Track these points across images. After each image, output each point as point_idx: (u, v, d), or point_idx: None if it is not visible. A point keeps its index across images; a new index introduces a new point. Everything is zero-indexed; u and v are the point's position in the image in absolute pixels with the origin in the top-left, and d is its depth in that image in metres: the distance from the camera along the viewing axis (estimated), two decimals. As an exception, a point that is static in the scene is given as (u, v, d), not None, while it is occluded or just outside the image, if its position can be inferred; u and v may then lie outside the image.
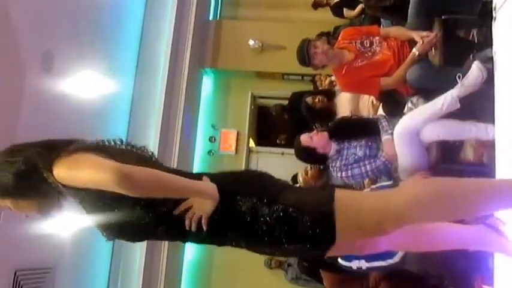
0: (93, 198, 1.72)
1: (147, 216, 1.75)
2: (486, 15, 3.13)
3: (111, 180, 1.56)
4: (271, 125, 7.36)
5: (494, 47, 2.49)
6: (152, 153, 1.96)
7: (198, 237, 1.84)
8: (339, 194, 1.82)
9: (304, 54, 3.63)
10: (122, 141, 1.89)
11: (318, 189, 1.99)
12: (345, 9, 5.79)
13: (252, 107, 7.11)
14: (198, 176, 1.84)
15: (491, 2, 2.65)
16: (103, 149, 1.76)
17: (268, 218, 1.76)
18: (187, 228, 1.76)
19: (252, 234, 1.81)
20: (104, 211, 1.75)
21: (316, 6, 6.28)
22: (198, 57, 6.88)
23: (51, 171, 1.66)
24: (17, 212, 1.83)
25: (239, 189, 1.82)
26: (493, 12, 2.46)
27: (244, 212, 1.78)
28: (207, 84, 7.25)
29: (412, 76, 3.30)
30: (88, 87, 5.05)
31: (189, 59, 6.60)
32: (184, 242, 1.99)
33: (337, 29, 5.54)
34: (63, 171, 1.65)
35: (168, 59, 6.41)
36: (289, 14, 7.18)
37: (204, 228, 1.76)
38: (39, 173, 1.69)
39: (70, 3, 4.74)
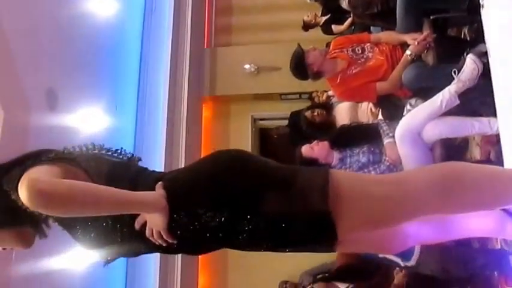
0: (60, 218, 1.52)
1: (119, 232, 1.55)
2: (475, 11, 3.12)
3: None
4: (274, 147, 7.33)
5: (486, 34, 2.45)
6: (132, 154, 1.76)
7: (173, 249, 1.59)
8: (336, 177, 1.55)
9: (298, 57, 3.58)
10: (94, 146, 1.70)
11: (312, 175, 1.57)
12: (333, 26, 5.83)
13: (253, 129, 7.12)
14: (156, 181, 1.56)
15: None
16: (70, 159, 1.55)
17: (249, 233, 1.51)
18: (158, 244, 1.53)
19: (235, 246, 1.59)
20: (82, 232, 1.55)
21: (306, 28, 6.32)
22: (196, 86, 6.91)
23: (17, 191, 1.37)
24: None
25: (203, 200, 1.52)
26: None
27: (214, 227, 1.51)
28: (207, 111, 7.26)
29: (408, 76, 3.27)
30: (92, 123, 5.07)
31: (187, 88, 6.63)
32: (165, 253, 1.72)
33: (329, 45, 5.56)
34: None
35: (167, 90, 6.44)
36: (281, 36, 7.21)
37: (170, 241, 1.51)
38: (8, 197, 1.46)
39: (69, 43, 4.78)
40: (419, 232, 1.84)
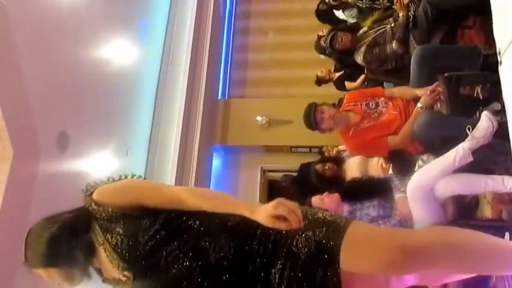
0: (133, 216, 1.81)
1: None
2: (489, 69, 3.13)
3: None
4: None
5: (503, 92, 2.44)
6: None
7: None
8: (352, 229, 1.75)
9: (312, 120, 3.63)
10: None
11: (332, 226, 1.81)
12: (346, 82, 5.87)
13: (262, 181, 7.11)
14: None
15: (493, 54, 2.64)
16: None
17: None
18: None
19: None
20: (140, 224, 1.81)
21: (319, 83, 6.35)
22: (208, 135, 6.95)
23: (91, 197, 1.84)
24: (49, 280, 1.88)
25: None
26: (498, 56, 2.43)
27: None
28: (217, 160, 7.27)
29: (420, 123, 3.25)
30: (102, 167, 5.05)
31: (199, 137, 6.67)
32: None
33: (341, 101, 5.58)
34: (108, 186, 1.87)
35: (179, 137, 6.47)
36: (293, 91, 7.31)
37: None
38: (72, 236, 1.80)
39: (86, 88, 4.83)
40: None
